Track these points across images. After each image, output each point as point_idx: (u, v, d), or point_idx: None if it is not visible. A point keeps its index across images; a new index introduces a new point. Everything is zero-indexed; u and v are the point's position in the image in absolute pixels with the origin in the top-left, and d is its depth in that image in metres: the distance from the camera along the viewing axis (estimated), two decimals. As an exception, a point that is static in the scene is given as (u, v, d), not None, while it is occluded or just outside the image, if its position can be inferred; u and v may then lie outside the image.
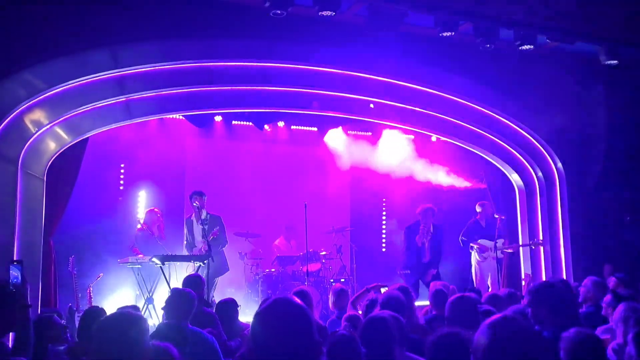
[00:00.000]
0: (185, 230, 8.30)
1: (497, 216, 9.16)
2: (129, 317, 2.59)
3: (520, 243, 9.50)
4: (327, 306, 7.86)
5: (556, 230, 9.44)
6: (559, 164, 9.38)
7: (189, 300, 4.33)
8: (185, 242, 8.28)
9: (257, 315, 2.04)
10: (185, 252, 8.01)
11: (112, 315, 2.76)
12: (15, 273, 3.71)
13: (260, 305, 2.17)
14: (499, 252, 9.04)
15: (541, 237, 9.42)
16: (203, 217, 7.60)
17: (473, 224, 9.54)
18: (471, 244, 9.42)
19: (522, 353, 1.93)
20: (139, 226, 8.44)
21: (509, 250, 9.46)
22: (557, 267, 9.33)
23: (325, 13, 6.66)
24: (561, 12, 7.37)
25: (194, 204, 7.83)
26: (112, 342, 2.47)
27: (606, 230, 9.25)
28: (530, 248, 9.41)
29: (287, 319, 1.98)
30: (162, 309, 4.42)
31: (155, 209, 8.50)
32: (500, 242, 9.13)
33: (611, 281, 6.92)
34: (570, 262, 9.21)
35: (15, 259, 3.96)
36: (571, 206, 9.30)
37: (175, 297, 4.35)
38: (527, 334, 2.00)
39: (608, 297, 4.94)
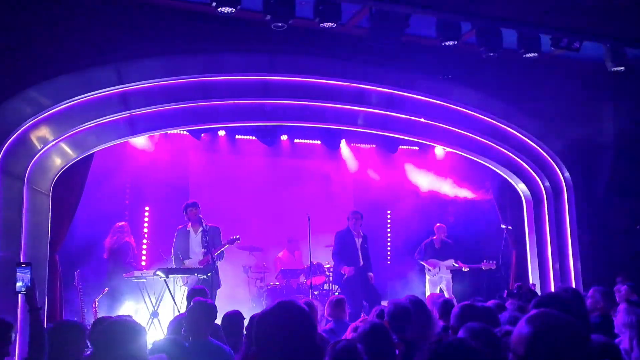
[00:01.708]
0: (177, 242, 8.03)
1: (504, 226, 9.10)
2: (129, 324, 2.63)
3: (472, 264, 9.92)
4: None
5: (564, 240, 9.36)
6: (567, 173, 9.32)
7: (210, 314, 4.37)
8: (173, 254, 8.00)
9: (261, 317, 2.05)
10: (173, 264, 7.85)
11: (113, 321, 2.79)
12: (27, 275, 3.71)
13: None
14: (446, 270, 9.92)
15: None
16: (205, 228, 7.57)
17: (426, 245, 10.14)
18: (421, 262, 10.08)
19: (565, 342, 1.93)
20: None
21: (466, 269, 9.93)
22: (566, 277, 9.23)
23: (326, 25, 6.68)
24: (566, 11, 7.34)
25: (197, 215, 7.74)
26: (107, 348, 2.49)
27: (615, 239, 9.15)
28: (490, 269, 9.80)
29: (290, 321, 2.00)
30: (175, 321, 4.42)
31: (123, 223, 8.50)
32: (450, 261, 9.88)
33: (622, 290, 6.82)
34: (580, 272, 9.11)
35: (22, 261, 3.96)
36: (579, 215, 9.22)
37: (196, 310, 4.35)
38: (569, 324, 2.00)
39: (623, 306, 4.84)
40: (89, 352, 3.23)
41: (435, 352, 2.45)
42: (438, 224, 10.22)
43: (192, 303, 4.51)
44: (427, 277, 10.09)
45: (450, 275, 9.96)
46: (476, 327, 2.93)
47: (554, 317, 2.03)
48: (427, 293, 9.67)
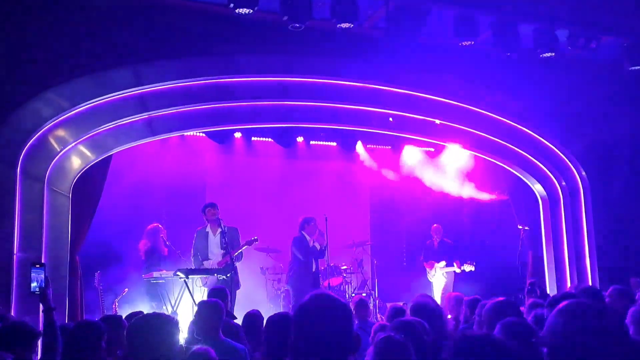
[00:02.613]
0: (196, 242, 8.03)
1: (520, 227, 9.06)
2: (161, 317, 2.65)
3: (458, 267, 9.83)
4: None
5: (581, 240, 9.29)
6: (583, 173, 9.25)
7: (217, 312, 4.31)
8: (192, 255, 8.01)
9: (302, 307, 2.06)
10: (193, 265, 7.83)
11: (145, 316, 2.81)
12: (40, 276, 3.74)
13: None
14: (443, 272, 9.91)
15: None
16: (223, 229, 7.60)
17: (426, 247, 10.30)
18: (424, 264, 10.24)
19: (600, 330, 1.91)
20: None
21: (458, 270, 9.82)
22: (582, 278, 9.16)
23: (343, 25, 6.70)
24: (583, 7, 7.29)
25: (215, 216, 7.75)
26: (144, 342, 2.51)
27: (633, 239, 9.06)
28: (471, 270, 9.73)
29: (331, 310, 2.02)
30: (192, 323, 4.40)
31: (159, 224, 8.54)
32: (442, 263, 9.93)
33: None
34: (597, 273, 9.04)
35: (35, 262, 3.99)
36: (596, 215, 9.16)
37: (203, 310, 4.33)
38: (601, 312, 1.99)
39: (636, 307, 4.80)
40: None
41: (462, 346, 2.44)
42: (434, 225, 10.27)
43: (197, 305, 4.46)
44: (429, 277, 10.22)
45: (445, 278, 9.94)
46: (511, 322, 2.91)
47: (586, 305, 2.01)
48: (435, 294, 9.73)
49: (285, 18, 6.56)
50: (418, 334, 3.20)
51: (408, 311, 4.55)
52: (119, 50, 6.80)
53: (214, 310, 4.30)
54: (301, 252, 8.63)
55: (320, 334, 1.95)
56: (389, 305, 7.36)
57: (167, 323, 2.62)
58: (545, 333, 2.00)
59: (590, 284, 8.95)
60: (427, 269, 10.16)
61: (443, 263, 9.92)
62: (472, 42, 7.22)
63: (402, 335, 3.12)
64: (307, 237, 8.75)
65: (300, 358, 1.94)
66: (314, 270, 8.73)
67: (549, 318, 2.02)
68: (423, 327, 3.31)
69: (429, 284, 10.26)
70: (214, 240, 7.87)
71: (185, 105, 7.60)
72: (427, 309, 4.40)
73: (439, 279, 10.03)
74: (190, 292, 6.70)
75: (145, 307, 7.67)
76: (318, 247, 8.72)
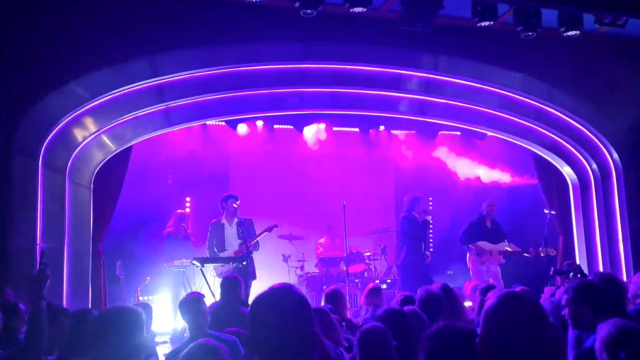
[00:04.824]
0: (212, 235, 8.04)
1: (547, 211, 8.78)
2: (127, 310, 2.63)
3: (529, 251, 8.73)
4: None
5: (614, 225, 8.95)
6: (615, 155, 8.89)
7: (198, 308, 4.37)
8: (208, 247, 7.99)
9: (255, 301, 2.01)
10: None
11: (109, 310, 2.81)
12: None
13: None
14: (498, 256, 8.63)
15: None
16: (239, 220, 7.63)
17: (475, 223, 8.81)
18: (469, 245, 8.69)
19: (522, 321, 1.90)
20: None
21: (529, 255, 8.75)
22: (615, 265, 8.85)
23: (356, 9, 6.59)
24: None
25: (234, 206, 7.76)
26: (111, 336, 2.49)
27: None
28: (548, 254, 8.63)
29: (283, 305, 1.96)
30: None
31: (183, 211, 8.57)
32: (503, 244, 8.70)
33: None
34: (631, 259, 8.70)
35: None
36: (629, 198, 8.80)
37: (185, 309, 4.41)
38: (535, 307, 1.97)
39: None
40: None
41: (432, 340, 2.38)
42: (489, 200, 8.95)
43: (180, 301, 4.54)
44: (471, 265, 8.75)
45: (500, 264, 8.71)
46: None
47: (521, 296, 2.04)
48: (490, 279, 8.49)
49: (297, 4, 6.48)
50: (404, 324, 3.16)
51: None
52: (135, 41, 6.84)
53: (194, 307, 4.33)
54: (413, 230, 8.58)
55: (270, 328, 1.89)
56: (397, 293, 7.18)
57: (134, 316, 2.59)
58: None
59: (624, 269, 8.68)
60: (475, 253, 8.60)
61: (504, 244, 8.63)
62: (492, 23, 7.00)
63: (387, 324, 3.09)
64: (417, 216, 8.72)
65: (255, 351, 1.91)
66: (423, 249, 8.70)
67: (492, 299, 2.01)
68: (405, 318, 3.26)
69: (458, 270, 9.88)
70: (231, 231, 7.90)
71: (203, 95, 7.62)
72: (435, 299, 4.35)
73: (491, 266, 8.64)
74: (206, 280, 6.77)
75: (167, 295, 7.82)
76: (430, 218, 8.73)
